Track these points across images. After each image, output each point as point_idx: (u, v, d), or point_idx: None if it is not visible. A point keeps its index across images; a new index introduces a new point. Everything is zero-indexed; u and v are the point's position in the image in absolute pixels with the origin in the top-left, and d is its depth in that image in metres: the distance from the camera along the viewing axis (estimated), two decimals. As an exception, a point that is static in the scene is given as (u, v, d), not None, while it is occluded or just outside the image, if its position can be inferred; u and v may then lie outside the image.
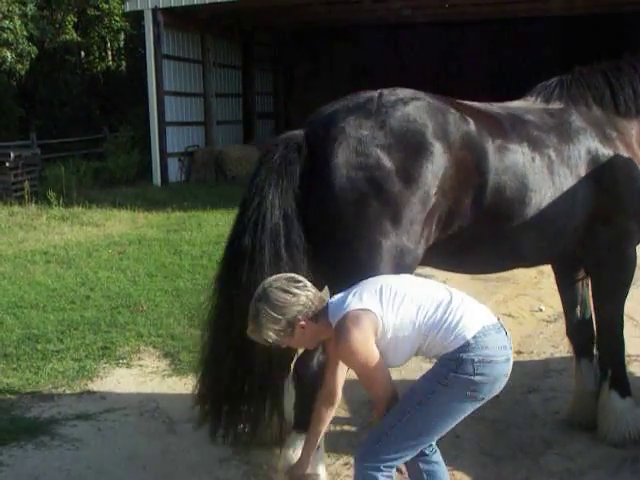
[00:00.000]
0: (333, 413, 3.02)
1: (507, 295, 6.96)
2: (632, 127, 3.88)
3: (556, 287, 4.34)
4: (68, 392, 4.77)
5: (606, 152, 3.69)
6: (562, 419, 4.28)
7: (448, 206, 3.28)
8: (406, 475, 3.10)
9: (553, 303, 6.07)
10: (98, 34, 24.07)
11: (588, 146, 3.68)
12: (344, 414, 4.29)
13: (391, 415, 2.72)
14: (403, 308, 2.68)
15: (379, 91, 3.38)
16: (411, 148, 3.19)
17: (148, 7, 15.37)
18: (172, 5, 15.36)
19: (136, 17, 19.75)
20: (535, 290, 7.10)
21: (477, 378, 2.63)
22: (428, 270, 3.91)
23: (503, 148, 3.43)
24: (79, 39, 22.64)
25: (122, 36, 24.97)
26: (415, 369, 4.05)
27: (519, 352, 5.33)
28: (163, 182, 15.77)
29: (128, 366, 5.21)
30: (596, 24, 17.80)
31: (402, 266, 3.16)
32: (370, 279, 2.85)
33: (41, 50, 20.10)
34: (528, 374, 4.90)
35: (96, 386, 4.87)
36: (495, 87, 15.40)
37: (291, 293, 2.69)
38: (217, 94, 18.34)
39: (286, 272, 2.93)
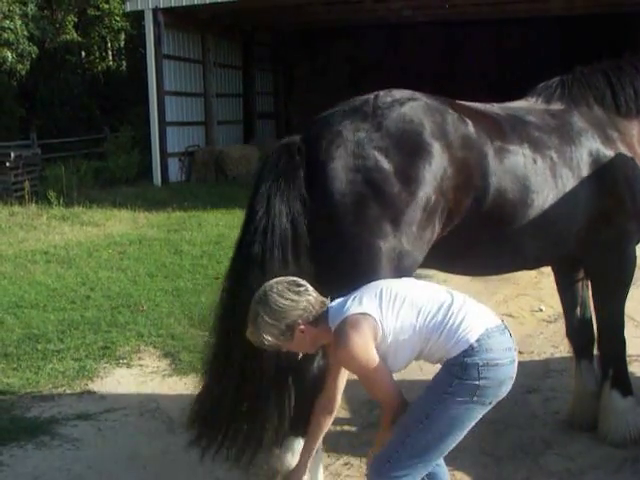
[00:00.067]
0: (332, 420, 2.99)
1: (507, 295, 6.96)
2: (633, 127, 3.87)
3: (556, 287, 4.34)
4: (68, 392, 4.77)
5: (608, 153, 3.68)
6: (562, 419, 4.28)
7: (448, 207, 3.25)
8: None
9: (553, 303, 6.06)
10: (99, 34, 24.13)
11: (590, 147, 3.67)
12: (344, 414, 4.28)
13: (399, 432, 2.65)
14: (403, 311, 2.65)
15: (375, 93, 3.35)
16: (409, 149, 3.16)
17: (148, 7, 15.36)
18: (172, 5, 15.36)
19: (136, 17, 19.80)
20: (535, 290, 7.10)
21: (482, 382, 2.57)
22: (428, 270, 3.90)
23: (503, 150, 3.41)
24: (80, 39, 22.69)
25: (122, 36, 25.04)
26: (415, 369, 4.04)
27: (519, 352, 5.29)
28: (163, 182, 15.75)
29: (128, 366, 5.22)
30: (596, 24, 17.79)
31: (401, 269, 3.14)
32: (371, 283, 2.81)
33: (42, 50, 20.13)
34: (528, 374, 4.88)
35: (96, 386, 4.87)
36: (495, 87, 15.40)
37: (290, 298, 2.66)
38: (217, 94, 18.32)
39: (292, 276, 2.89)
